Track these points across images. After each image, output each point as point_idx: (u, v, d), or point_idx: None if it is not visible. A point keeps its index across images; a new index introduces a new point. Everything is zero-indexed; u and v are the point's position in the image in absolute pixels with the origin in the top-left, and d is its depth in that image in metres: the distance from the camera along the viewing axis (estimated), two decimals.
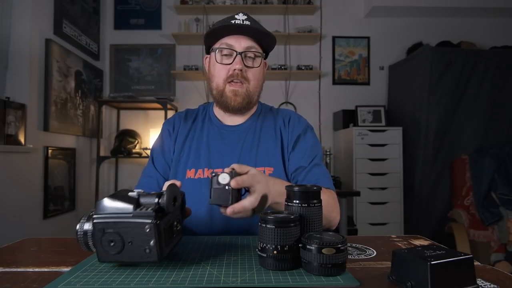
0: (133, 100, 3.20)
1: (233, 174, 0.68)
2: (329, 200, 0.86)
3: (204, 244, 0.73)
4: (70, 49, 2.77)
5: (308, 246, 0.54)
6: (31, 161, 2.30)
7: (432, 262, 0.46)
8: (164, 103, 3.05)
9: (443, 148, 2.93)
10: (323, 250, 0.53)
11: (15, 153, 2.14)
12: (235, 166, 0.71)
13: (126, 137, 3.17)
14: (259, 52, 1.01)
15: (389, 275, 0.53)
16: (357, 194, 2.60)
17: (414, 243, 0.77)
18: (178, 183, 0.68)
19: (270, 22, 3.41)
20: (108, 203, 0.55)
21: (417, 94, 3.02)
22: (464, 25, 3.54)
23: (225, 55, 0.99)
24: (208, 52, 1.07)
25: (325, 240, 0.54)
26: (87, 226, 0.56)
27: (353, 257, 0.65)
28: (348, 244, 0.70)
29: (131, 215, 0.54)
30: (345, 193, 2.59)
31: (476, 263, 0.56)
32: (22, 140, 2.19)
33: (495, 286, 0.51)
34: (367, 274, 0.56)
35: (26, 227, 2.21)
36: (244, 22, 0.97)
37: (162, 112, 3.15)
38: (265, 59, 1.05)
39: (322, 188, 0.69)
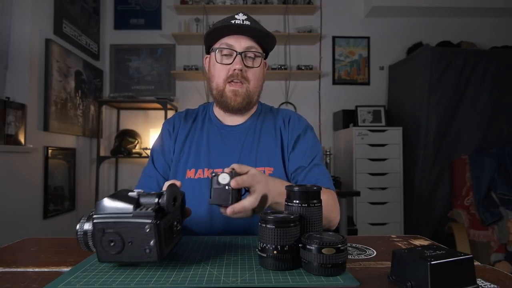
0: (133, 100, 3.20)
1: (233, 174, 0.68)
2: (329, 200, 0.86)
3: (204, 244, 0.73)
4: (70, 49, 2.77)
5: (308, 246, 0.54)
6: (31, 161, 2.30)
7: (432, 262, 0.46)
8: (164, 103, 3.05)
9: (443, 148, 2.93)
10: (323, 250, 0.53)
11: (15, 153, 2.14)
12: (235, 166, 0.71)
13: (126, 137, 3.17)
14: (259, 52, 1.00)
15: (389, 275, 0.53)
16: (357, 194, 2.60)
17: (414, 243, 0.77)
18: (178, 183, 0.68)
19: (270, 22, 3.41)
20: (108, 203, 0.55)
21: (417, 94, 3.02)
22: (464, 25, 3.54)
23: (225, 55, 0.99)
24: (208, 52, 1.07)
25: (325, 240, 0.54)
26: (87, 226, 0.56)
27: (353, 257, 0.65)
28: (348, 244, 0.70)
29: (131, 215, 0.54)
30: (345, 193, 2.59)
31: (476, 263, 0.56)
32: (22, 140, 2.19)
33: (495, 286, 0.51)
34: (367, 274, 0.56)
35: (26, 227, 2.21)
36: (244, 22, 0.97)
37: (162, 112, 3.15)
38: (265, 59, 1.05)
39: (322, 188, 0.69)
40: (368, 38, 3.58)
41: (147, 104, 3.28)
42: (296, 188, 0.64)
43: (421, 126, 2.93)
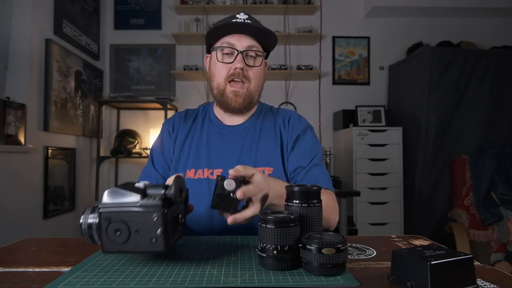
0: (133, 100, 3.20)
1: (239, 182, 0.68)
2: (328, 201, 0.86)
3: (204, 244, 0.73)
4: (70, 49, 2.77)
5: (308, 246, 0.54)
6: (31, 161, 2.29)
7: (432, 262, 0.46)
8: (164, 103, 3.05)
9: (443, 148, 2.93)
10: (323, 250, 0.53)
11: (15, 153, 2.14)
12: (239, 167, 0.70)
13: (126, 137, 3.17)
14: (260, 51, 1.00)
15: (389, 275, 0.53)
16: (357, 194, 2.60)
17: (414, 243, 0.77)
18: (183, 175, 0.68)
19: (270, 22, 3.41)
20: (115, 193, 0.54)
21: (417, 94, 3.02)
22: (464, 25, 3.54)
23: (226, 53, 0.98)
24: (209, 51, 1.06)
25: (325, 240, 0.54)
26: (92, 217, 0.56)
27: (353, 257, 0.65)
28: (348, 244, 0.70)
29: (138, 204, 0.53)
30: (345, 193, 2.59)
31: (476, 263, 0.56)
32: (22, 140, 2.19)
33: (495, 286, 0.51)
34: (367, 274, 0.56)
35: (26, 227, 2.21)
36: (246, 21, 0.97)
37: (162, 112, 3.15)
38: (266, 58, 1.05)
39: (322, 188, 0.69)
40: (368, 38, 3.58)
41: (147, 104, 3.28)
42: (296, 188, 0.64)
43: (421, 126, 2.93)
